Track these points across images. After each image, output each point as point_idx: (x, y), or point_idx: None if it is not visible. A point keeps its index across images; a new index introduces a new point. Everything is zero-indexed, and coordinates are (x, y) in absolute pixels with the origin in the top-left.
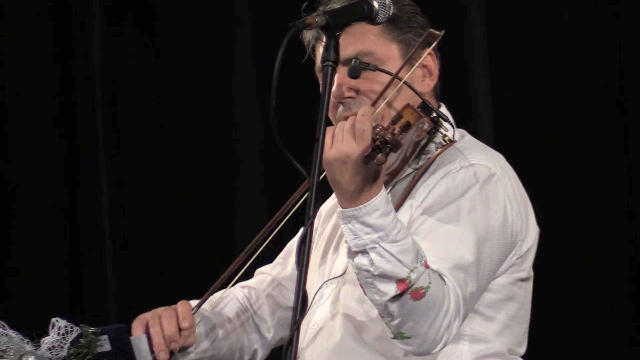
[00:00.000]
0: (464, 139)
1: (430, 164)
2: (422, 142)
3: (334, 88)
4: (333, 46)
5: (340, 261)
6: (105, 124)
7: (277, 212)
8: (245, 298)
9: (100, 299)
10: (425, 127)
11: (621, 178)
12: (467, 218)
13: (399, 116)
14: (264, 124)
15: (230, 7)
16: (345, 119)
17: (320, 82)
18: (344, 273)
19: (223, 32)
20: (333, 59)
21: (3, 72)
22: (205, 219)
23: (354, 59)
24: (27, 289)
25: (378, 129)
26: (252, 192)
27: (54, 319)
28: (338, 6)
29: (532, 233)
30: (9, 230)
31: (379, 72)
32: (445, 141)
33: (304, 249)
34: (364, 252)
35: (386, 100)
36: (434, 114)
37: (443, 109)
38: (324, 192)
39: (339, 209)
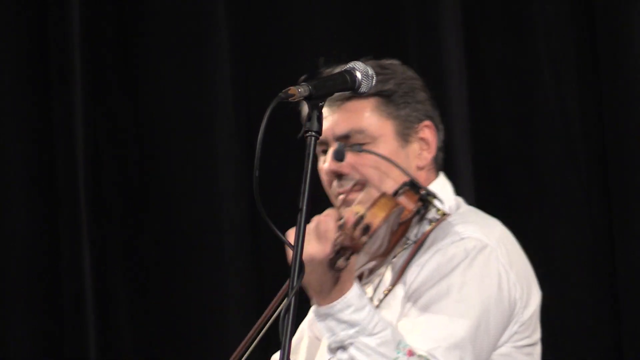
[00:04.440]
0: (459, 211)
1: (425, 239)
2: (414, 220)
3: (328, 163)
4: (316, 116)
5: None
6: (86, 183)
7: (260, 317)
8: None
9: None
10: (411, 207)
11: (603, 242)
12: (459, 294)
13: (360, 217)
14: (248, 193)
15: (212, 76)
16: (339, 194)
17: (318, 155)
18: None
19: (205, 99)
20: (316, 129)
21: None
22: (188, 286)
23: (338, 143)
24: (7, 350)
25: (337, 234)
26: (234, 262)
27: None
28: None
29: (534, 298)
30: None
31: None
32: (439, 215)
33: (287, 318)
34: (343, 347)
35: (374, 185)
36: (423, 192)
37: (441, 179)
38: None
39: (314, 308)
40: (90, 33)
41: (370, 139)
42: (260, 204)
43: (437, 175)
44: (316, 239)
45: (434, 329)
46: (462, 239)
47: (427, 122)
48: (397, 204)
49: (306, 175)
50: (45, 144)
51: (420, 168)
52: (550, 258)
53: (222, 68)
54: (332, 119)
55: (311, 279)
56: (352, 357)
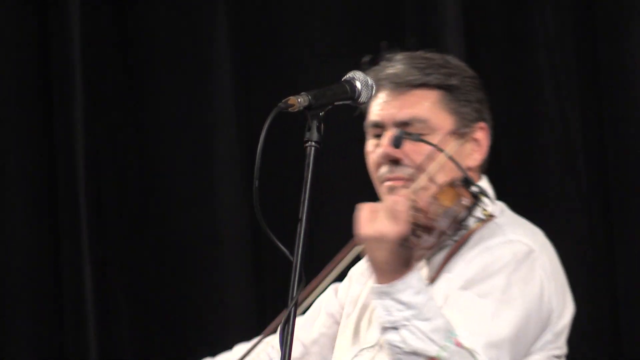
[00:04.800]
0: (504, 214)
1: (468, 237)
2: (461, 217)
3: (381, 147)
4: (316, 126)
5: (374, 330)
6: (87, 197)
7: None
8: None
9: None
10: (465, 203)
11: (603, 253)
12: (503, 295)
13: (435, 198)
14: (248, 204)
15: (213, 88)
16: (387, 180)
17: (368, 136)
18: (376, 344)
19: (206, 112)
20: (316, 140)
21: None
22: (188, 298)
23: (397, 129)
24: None
25: (413, 212)
26: (235, 273)
27: None
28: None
29: (568, 310)
30: None
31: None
32: (484, 216)
33: (287, 330)
34: (396, 328)
35: (428, 174)
36: (475, 189)
37: (484, 182)
38: (307, 275)
39: (373, 284)
40: (91, 48)
41: (429, 130)
42: (260, 214)
43: (480, 178)
44: (389, 217)
45: (476, 324)
46: (511, 241)
47: (482, 124)
48: (459, 195)
49: (306, 185)
50: (46, 159)
51: (469, 169)
52: None
53: (222, 80)
54: (393, 104)
55: (376, 256)
56: (403, 338)
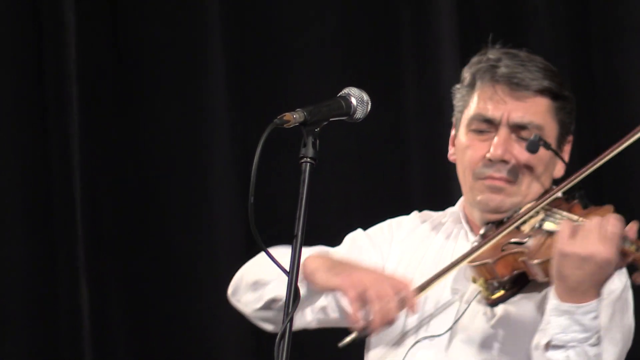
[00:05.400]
0: None
1: None
2: None
3: (495, 145)
4: (311, 142)
5: (445, 315)
6: (83, 213)
7: None
8: None
9: None
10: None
11: None
12: (609, 322)
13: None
14: (243, 220)
15: (208, 103)
16: (491, 178)
17: (464, 128)
18: (446, 331)
19: (201, 127)
20: (311, 155)
21: None
22: (185, 316)
23: (534, 134)
24: None
25: (629, 245)
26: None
27: None
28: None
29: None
30: None
31: (542, 151)
32: None
33: (282, 346)
34: (564, 347)
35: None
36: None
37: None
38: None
39: (555, 301)
40: (87, 62)
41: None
42: (255, 230)
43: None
44: (599, 238)
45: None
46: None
47: (571, 138)
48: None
49: (301, 201)
50: (41, 172)
51: (554, 179)
52: None
53: (218, 95)
54: (512, 105)
55: (573, 274)
56: (568, 358)
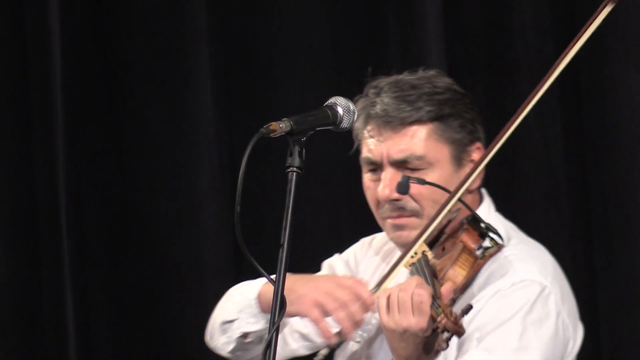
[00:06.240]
0: (511, 242)
1: (477, 271)
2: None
3: (382, 187)
4: (297, 152)
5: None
6: (68, 223)
7: None
8: None
9: None
10: (474, 247)
11: (585, 280)
12: (519, 342)
13: (460, 277)
14: (230, 230)
15: (194, 111)
16: (390, 218)
17: (363, 169)
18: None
19: (187, 136)
20: (297, 165)
21: None
22: (170, 325)
23: (402, 176)
24: None
25: (440, 315)
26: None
27: None
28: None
29: (580, 332)
30: None
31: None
32: (492, 245)
33: (269, 354)
34: None
35: (437, 222)
36: (483, 227)
37: (487, 199)
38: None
39: None
40: (72, 71)
41: (427, 165)
42: (241, 239)
43: (480, 193)
44: (410, 310)
45: None
46: (523, 281)
47: (479, 144)
48: (476, 259)
49: (288, 211)
50: (26, 181)
51: (470, 192)
52: None
53: (204, 105)
54: (387, 143)
55: (398, 347)
56: None
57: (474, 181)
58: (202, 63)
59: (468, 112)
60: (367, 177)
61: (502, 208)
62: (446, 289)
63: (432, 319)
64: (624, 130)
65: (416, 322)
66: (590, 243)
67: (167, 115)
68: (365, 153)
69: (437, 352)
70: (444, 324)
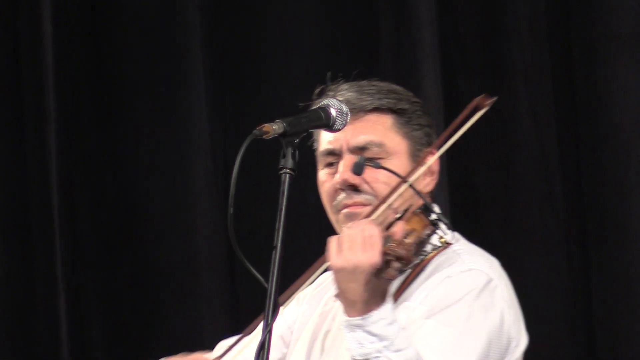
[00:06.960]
0: (460, 242)
1: (425, 265)
2: (422, 244)
3: (339, 174)
4: (290, 153)
5: (327, 357)
6: (61, 225)
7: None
8: None
9: None
10: (428, 231)
11: (580, 282)
12: (465, 324)
13: (411, 230)
14: (224, 232)
15: (187, 113)
16: (345, 206)
17: (319, 166)
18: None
19: (181, 138)
20: (290, 167)
21: None
22: (164, 329)
23: (358, 156)
24: None
25: (390, 244)
26: (211, 301)
27: None
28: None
29: (523, 340)
30: None
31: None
32: (441, 243)
33: (262, 356)
34: None
35: (388, 203)
36: (435, 216)
37: (437, 209)
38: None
39: (344, 317)
40: (64, 73)
41: (385, 154)
42: (234, 241)
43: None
44: (361, 247)
45: (439, 354)
46: (470, 269)
47: (433, 149)
48: (426, 224)
49: (281, 213)
50: (19, 185)
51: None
52: (527, 298)
53: (198, 107)
54: (347, 130)
55: (349, 288)
56: None
57: (424, 183)
58: (196, 65)
59: (424, 115)
60: (323, 173)
61: (498, 209)
62: (399, 227)
63: (384, 253)
64: (618, 131)
65: (367, 257)
66: (585, 244)
67: (161, 118)
68: (323, 146)
69: (384, 295)
70: (396, 251)
